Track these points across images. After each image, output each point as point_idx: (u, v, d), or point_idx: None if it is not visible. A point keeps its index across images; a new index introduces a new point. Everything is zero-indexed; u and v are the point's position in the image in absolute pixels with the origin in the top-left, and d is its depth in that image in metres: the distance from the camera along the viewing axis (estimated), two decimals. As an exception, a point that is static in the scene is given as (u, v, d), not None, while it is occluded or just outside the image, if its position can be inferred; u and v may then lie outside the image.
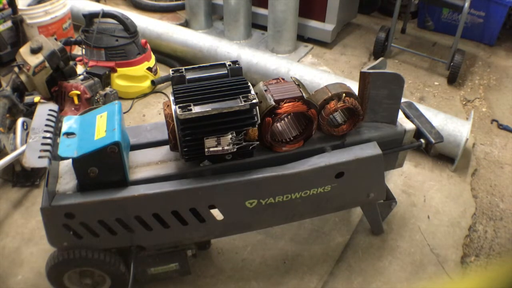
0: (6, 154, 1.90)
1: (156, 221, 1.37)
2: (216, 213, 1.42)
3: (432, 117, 2.18)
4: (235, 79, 1.33)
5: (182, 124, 1.23)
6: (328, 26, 3.19)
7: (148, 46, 2.75)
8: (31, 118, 1.40)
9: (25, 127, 2.00)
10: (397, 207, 1.88)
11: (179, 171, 1.37)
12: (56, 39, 2.61)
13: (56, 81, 2.33)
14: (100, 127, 1.28)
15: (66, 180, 1.33)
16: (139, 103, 2.69)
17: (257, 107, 1.28)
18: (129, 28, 2.58)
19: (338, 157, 1.43)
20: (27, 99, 2.23)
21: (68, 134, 1.29)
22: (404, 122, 1.60)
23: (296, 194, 1.44)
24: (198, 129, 1.25)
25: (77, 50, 2.83)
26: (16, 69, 2.25)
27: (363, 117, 1.49)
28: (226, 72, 1.36)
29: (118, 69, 2.60)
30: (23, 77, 2.22)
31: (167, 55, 3.08)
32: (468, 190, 2.10)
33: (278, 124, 1.47)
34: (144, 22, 3.11)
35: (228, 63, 1.38)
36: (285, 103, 1.31)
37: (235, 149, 1.30)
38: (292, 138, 1.43)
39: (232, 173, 1.37)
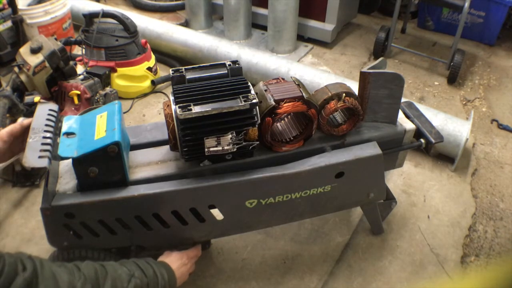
0: (6, 154, 1.89)
1: (156, 221, 1.37)
2: (216, 213, 1.42)
3: (432, 117, 2.18)
4: (235, 79, 1.33)
5: (182, 124, 1.23)
6: (328, 26, 3.19)
7: (148, 46, 2.75)
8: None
9: (25, 127, 1.99)
10: (397, 207, 1.88)
11: (179, 171, 1.37)
12: (56, 39, 2.61)
13: (56, 81, 2.32)
14: (100, 127, 1.28)
15: (66, 180, 1.33)
16: (139, 103, 2.69)
17: (257, 107, 1.28)
18: (129, 28, 2.58)
19: (338, 157, 1.42)
20: (27, 99, 2.23)
21: (68, 134, 1.29)
22: (404, 122, 1.60)
23: (296, 194, 1.44)
24: (198, 129, 1.24)
25: (77, 50, 2.83)
26: (16, 69, 2.25)
27: (363, 117, 1.49)
28: (226, 72, 1.36)
29: (118, 69, 2.60)
30: (23, 77, 2.22)
31: (167, 55, 3.07)
32: (468, 190, 2.10)
33: (278, 124, 1.47)
34: (144, 22, 3.11)
35: (228, 63, 1.38)
36: (285, 103, 1.31)
37: (235, 149, 1.30)
38: (292, 138, 1.43)
39: (232, 173, 1.36)
